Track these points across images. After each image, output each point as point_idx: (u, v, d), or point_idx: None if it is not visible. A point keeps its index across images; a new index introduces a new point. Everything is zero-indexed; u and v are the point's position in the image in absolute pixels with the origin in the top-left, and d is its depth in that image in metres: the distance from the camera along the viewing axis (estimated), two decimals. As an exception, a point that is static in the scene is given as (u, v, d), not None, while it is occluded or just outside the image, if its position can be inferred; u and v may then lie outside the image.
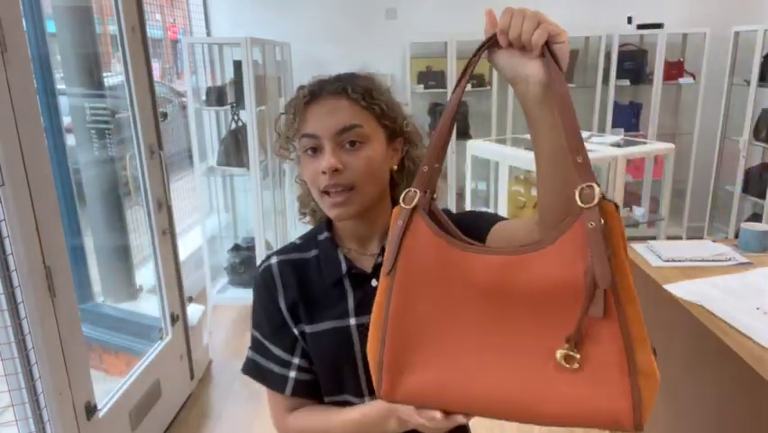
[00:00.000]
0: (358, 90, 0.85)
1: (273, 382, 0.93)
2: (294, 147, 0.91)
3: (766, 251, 1.75)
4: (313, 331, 0.91)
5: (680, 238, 4.24)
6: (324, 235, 0.94)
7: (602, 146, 2.93)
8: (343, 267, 0.91)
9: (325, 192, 0.84)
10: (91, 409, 1.87)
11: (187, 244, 3.80)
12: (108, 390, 2.14)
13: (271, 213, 3.68)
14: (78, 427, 1.80)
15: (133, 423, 2.19)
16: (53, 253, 1.67)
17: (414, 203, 0.71)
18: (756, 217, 3.86)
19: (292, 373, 0.92)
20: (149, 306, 2.72)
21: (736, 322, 1.31)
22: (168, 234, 2.53)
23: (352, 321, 0.88)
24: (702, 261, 1.69)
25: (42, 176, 1.63)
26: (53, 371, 1.67)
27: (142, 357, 2.38)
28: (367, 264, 0.92)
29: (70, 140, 2.58)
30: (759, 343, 1.22)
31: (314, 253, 0.94)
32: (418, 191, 0.71)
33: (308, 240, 0.96)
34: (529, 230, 0.79)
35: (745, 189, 3.98)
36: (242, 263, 3.48)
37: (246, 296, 3.48)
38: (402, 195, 0.72)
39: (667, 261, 1.68)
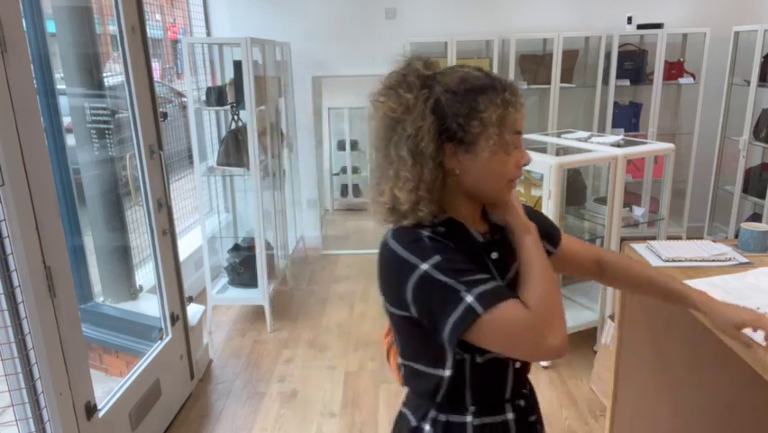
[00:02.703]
0: None
1: (508, 293, 0.90)
2: (464, 132, 0.93)
3: (766, 251, 1.75)
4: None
5: (680, 238, 4.24)
6: (443, 217, 1.00)
7: (602, 146, 2.92)
8: (480, 238, 1.02)
9: (511, 181, 0.99)
10: (91, 410, 1.87)
11: (187, 244, 3.80)
12: (108, 390, 2.14)
13: (271, 213, 3.69)
14: (78, 427, 1.80)
15: (133, 423, 2.19)
16: (53, 253, 1.67)
17: None
18: (756, 217, 3.86)
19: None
20: (149, 306, 2.73)
21: (736, 322, 1.31)
22: (168, 234, 2.53)
23: (501, 281, 0.99)
24: (702, 261, 1.68)
25: (42, 176, 1.63)
26: (53, 371, 1.67)
27: (142, 357, 2.38)
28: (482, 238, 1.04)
29: (70, 140, 2.58)
30: (759, 343, 1.22)
31: (442, 230, 0.99)
32: None
33: (431, 225, 0.98)
34: (589, 259, 1.21)
35: (745, 189, 3.98)
36: (242, 263, 3.48)
37: (246, 296, 3.48)
38: None
39: (667, 261, 1.68)
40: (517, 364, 1.03)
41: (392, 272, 0.94)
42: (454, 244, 0.95)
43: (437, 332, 0.90)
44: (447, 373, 0.98)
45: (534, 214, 1.12)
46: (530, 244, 0.97)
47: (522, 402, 1.06)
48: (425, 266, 0.89)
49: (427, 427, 1.02)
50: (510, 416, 1.03)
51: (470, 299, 0.87)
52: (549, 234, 1.17)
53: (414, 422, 1.05)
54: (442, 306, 0.88)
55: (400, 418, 1.10)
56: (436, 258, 0.90)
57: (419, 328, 0.95)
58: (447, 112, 0.92)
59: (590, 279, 1.26)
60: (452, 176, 0.96)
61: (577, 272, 1.25)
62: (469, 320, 0.86)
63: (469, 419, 1.01)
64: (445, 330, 0.88)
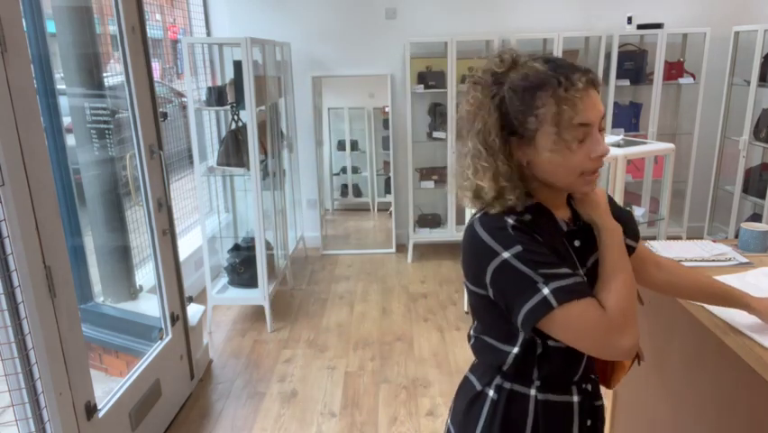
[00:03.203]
0: (598, 81, 0.98)
1: (587, 291, 0.94)
2: (523, 128, 0.96)
3: (766, 251, 1.75)
4: None
5: (680, 238, 4.24)
6: (530, 203, 1.02)
7: (602, 146, 2.92)
8: (564, 227, 1.03)
9: (588, 173, 0.97)
10: (91, 409, 1.87)
11: (187, 244, 3.80)
12: (108, 390, 2.14)
13: (271, 213, 3.68)
14: (78, 427, 1.80)
15: (133, 423, 2.19)
16: (53, 253, 1.67)
17: None
18: (756, 217, 3.86)
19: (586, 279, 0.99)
20: (149, 306, 2.72)
21: (736, 322, 1.31)
22: (168, 234, 2.53)
23: (581, 271, 1.01)
24: (702, 261, 1.68)
25: (42, 176, 1.63)
26: (53, 371, 1.67)
27: (142, 357, 2.38)
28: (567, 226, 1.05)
29: (70, 140, 2.58)
30: (759, 343, 1.23)
31: (528, 217, 1.00)
32: None
33: (510, 210, 0.99)
34: (651, 262, 1.21)
35: (745, 189, 3.98)
36: (242, 263, 3.48)
37: (246, 296, 3.48)
38: None
39: (667, 261, 1.68)
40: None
41: (475, 255, 0.98)
42: (540, 231, 0.98)
43: (511, 315, 0.96)
44: (515, 350, 1.01)
45: (617, 208, 1.13)
46: (614, 246, 1.00)
47: (589, 387, 1.08)
48: (506, 254, 0.93)
49: (491, 392, 1.06)
50: (576, 398, 1.05)
51: (546, 291, 0.91)
52: (632, 230, 1.16)
53: (478, 387, 1.09)
54: (518, 294, 0.93)
55: (464, 382, 1.14)
56: (518, 248, 0.93)
57: (494, 307, 1.00)
58: (509, 109, 0.95)
59: (644, 285, 1.24)
60: (524, 166, 0.99)
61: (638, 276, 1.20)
62: (542, 311, 0.91)
63: (533, 392, 1.03)
64: (519, 317, 0.93)
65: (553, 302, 0.90)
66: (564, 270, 0.93)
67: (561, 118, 0.92)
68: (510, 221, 0.97)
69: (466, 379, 1.14)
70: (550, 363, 1.02)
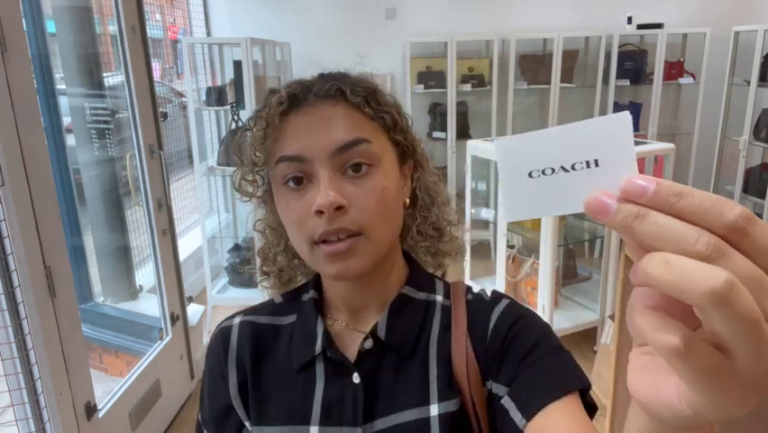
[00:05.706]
0: (359, 92, 0.60)
1: None
2: (262, 178, 0.66)
3: (766, 251, 1.75)
4: None
5: (680, 238, 4.23)
6: (308, 296, 0.68)
7: (602, 146, 2.92)
8: (318, 345, 0.64)
9: (322, 241, 0.57)
10: (91, 409, 1.87)
11: (187, 244, 3.80)
12: (108, 390, 2.14)
13: (271, 213, 3.68)
14: (78, 427, 1.80)
15: (133, 423, 2.19)
16: (53, 253, 1.67)
17: None
18: (756, 217, 3.86)
19: None
20: (149, 306, 2.72)
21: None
22: (168, 234, 2.53)
23: (314, 430, 0.61)
24: (702, 261, 1.68)
25: (42, 176, 1.63)
26: (53, 371, 1.67)
27: (142, 357, 2.38)
28: (353, 347, 0.64)
29: (70, 140, 2.58)
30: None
31: (292, 318, 0.69)
32: None
33: (291, 300, 0.71)
34: None
35: (745, 189, 3.99)
36: (242, 263, 3.48)
37: (246, 296, 3.48)
38: None
39: (667, 261, 1.68)
40: None
41: None
42: (291, 344, 0.66)
43: None
44: None
45: (520, 332, 0.63)
46: None
47: None
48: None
49: None
50: None
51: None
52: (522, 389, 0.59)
53: None
54: None
55: None
56: (206, 361, 0.73)
57: None
58: None
59: None
60: None
61: None
62: None
63: None
64: None
65: None
66: (207, 415, 0.67)
67: (264, 147, 0.61)
68: (235, 320, 0.71)
69: None
70: None
